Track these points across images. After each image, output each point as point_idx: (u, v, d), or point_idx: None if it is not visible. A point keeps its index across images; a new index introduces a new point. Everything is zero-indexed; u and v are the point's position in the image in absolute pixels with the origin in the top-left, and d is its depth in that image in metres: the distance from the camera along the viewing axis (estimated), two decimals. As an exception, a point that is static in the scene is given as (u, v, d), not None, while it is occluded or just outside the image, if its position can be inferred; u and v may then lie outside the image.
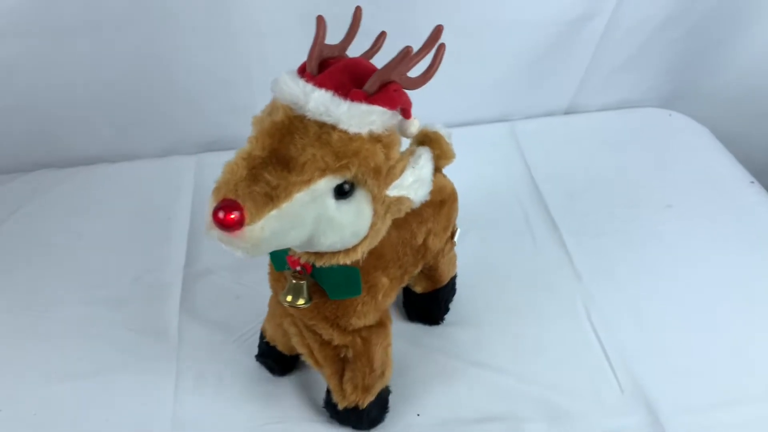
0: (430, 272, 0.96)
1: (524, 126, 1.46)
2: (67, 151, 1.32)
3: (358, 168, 0.56)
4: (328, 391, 0.87)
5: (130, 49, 1.17)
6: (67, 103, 1.23)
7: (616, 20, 1.29)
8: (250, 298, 1.06)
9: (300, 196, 0.53)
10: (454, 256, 1.00)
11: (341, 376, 0.83)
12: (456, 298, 1.06)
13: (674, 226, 1.21)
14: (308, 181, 0.53)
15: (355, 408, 0.84)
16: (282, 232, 0.53)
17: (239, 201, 0.50)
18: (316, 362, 0.84)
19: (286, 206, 0.52)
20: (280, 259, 0.72)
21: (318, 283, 0.71)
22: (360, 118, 0.55)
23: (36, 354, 0.98)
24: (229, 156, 0.54)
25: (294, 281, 0.70)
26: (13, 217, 1.22)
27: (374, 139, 0.57)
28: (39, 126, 1.26)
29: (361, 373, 0.81)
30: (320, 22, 0.59)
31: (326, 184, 0.55)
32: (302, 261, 0.67)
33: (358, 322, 0.76)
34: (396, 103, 0.59)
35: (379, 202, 0.61)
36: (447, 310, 1.04)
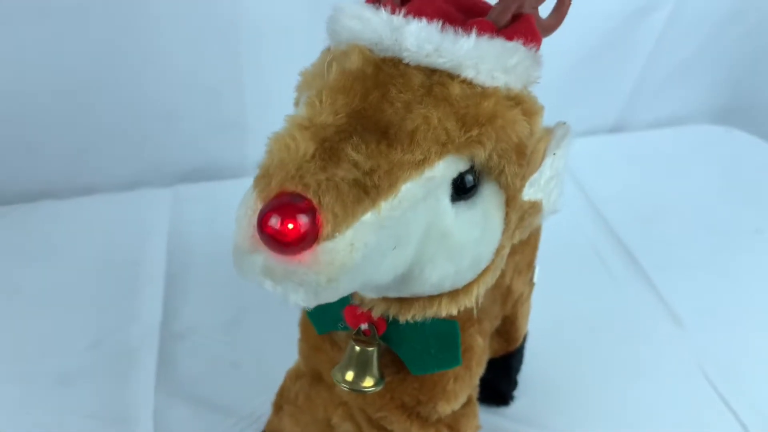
0: (505, 328, 0.69)
1: (574, 145, 1.22)
2: (8, 185, 1.03)
3: (495, 144, 0.33)
4: None
5: (89, 46, 0.91)
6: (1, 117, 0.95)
7: (679, 14, 1.09)
8: (252, 365, 0.77)
9: (409, 189, 0.31)
10: (530, 305, 0.74)
11: None
12: (528, 360, 0.80)
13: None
14: (422, 163, 0.31)
15: None
16: (378, 256, 0.31)
17: (310, 196, 0.27)
18: None
19: (388, 206, 0.30)
20: (326, 314, 0.46)
21: (391, 351, 0.46)
22: (496, 60, 0.34)
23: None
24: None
25: (358, 348, 0.44)
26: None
27: (511, 99, 0.35)
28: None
29: None
30: None
31: (446, 170, 0.33)
32: (376, 315, 0.41)
33: (447, 408, 0.49)
34: (539, 44, 0.38)
35: (515, 206, 0.38)
36: (516, 384, 0.78)
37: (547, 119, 1.11)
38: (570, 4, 0.42)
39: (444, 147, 0.32)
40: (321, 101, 0.32)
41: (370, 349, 0.44)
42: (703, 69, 1.22)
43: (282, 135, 0.30)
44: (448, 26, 0.34)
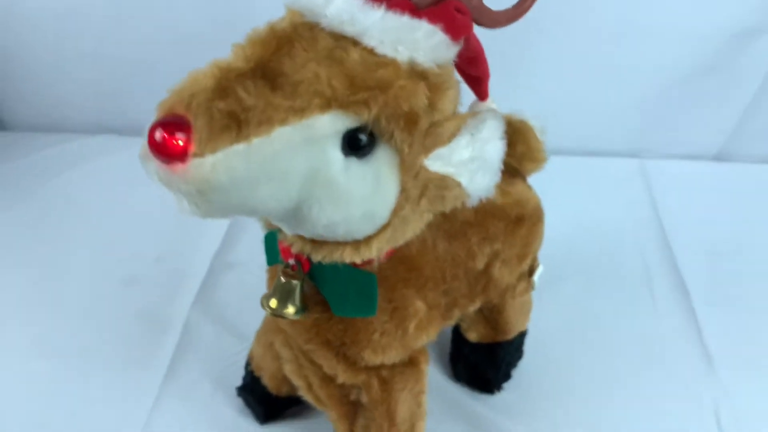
0: (492, 316, 0.71)
1: (659, 166, 1.18)
2: (133, 120, 1.20)
3: (382, 108, 0.37)
4: None
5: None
6: (142, 60, 1.12)
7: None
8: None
9: (285, 132, 0.35)
10: (529, 303, 0.75)
11: (353, 420, 0.61)
12: (534, 358, 0.81)
13: None
14: (301, 111, 0.35)
15: None
16: (248, 183, 0.35)
17: (189, 118, 0.32)
18: (318, 400, 0.61)
19: (260, 142, 0.34)
20: (274, 249, 0.53)
21: (319, 291, 0.51)
22: (397, 33, 0.37)
23: (29, 324, 0.84)
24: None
25: (283, 279, 0.50)
26: (61, 177, 1.12)
27: (416, 74, 0.39)
28: (109, 83, 1.17)
29: (378, 425, 0.58)
30: None
31: (331, 123, 0.36)
32: (294, 250, 0.46)
33: (373, 358, 0.54)
34: (458, 29, 0.40)
35: (411, 173, 0.42)
36: (508, 376, 0.78)
37: (645, 136, 1.09)
38: (532, 3, 0.44)
39: (328, 102, 0.36)
40: (243, 49, 0.37)
41: (294, 281, 0.49)
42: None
43: (197, 71, 0.36)
44: (370, 2, 0.38)
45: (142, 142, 0.34)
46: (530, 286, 0.71)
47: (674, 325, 0.87)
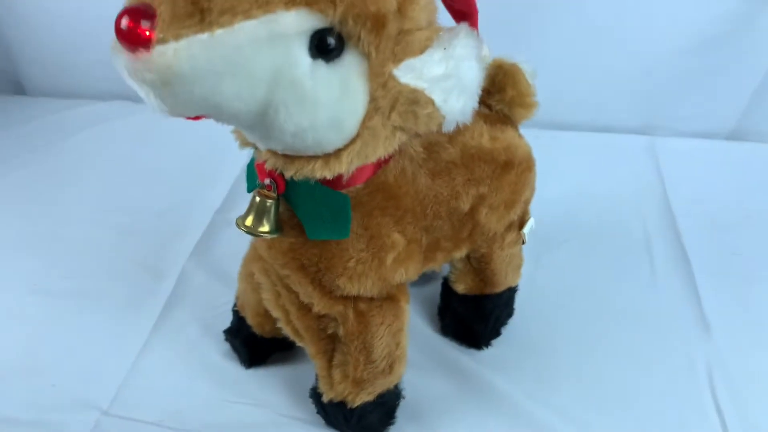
0: (480, 266, 0.71)
1: (669, 144, 1.17)
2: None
3: (349, 7, 0.37)
4: (317, 378, 0.64)
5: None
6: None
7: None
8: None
9: (249, 26, 0.35)
10: (519, 258, 0.74)
11: (331, 357, 0.61)
12: (525, 317, 0.80)
13: None
14: (265, 4, 0.35)
15: (343, 404, 0.61)
16: (212, 75, 0.35)
17: (155, 5, 0.33)
18: (296, 332, 0.62)
19: (223, 33, 0.34)
20: (252, 175, 0.53)
21: (295, 215, 0.51)
22: None
23: (28, 262, 0.88)
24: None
25: (258, 199, 0.50)
26: (75, 138, 1.17)
27: None
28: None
29: (355, 360, 0.59)
30: None
31: (297, 22, 0.36)
32: (268, 166, 0.47)
33: (349, 287, 0.54)
34: None
35: (379, 80, 0.42)
36: (497, 333, 0.78)
37: (656, 113, 1.02)
38: None
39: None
40: None
41: (269, 201, 0.49)
42: None
43: None
44: None
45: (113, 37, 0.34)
46: (520, 238, 0.71)
47: (672, 291, 0.86)
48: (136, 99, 1.19)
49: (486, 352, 0.76)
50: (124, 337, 0.76)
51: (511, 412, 0.69)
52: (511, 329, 0.79)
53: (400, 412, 0.67)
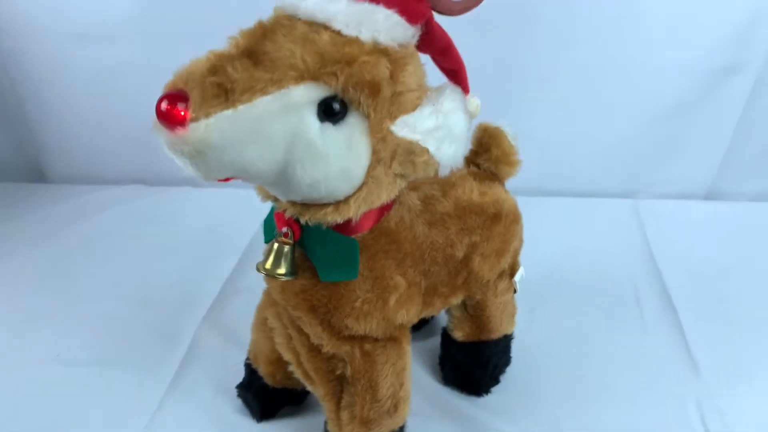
0: (476, 313, 0.76)
1: (651, 206, 1.24)
2: (159, 169, 1.33)
3: (348, 79, 0.45)
4: (326, 425, 0.68)
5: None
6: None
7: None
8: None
9: (265, 101, 0.43)
10: (512, 306, 0.79)
11: (339, 399, 0.65)
12: (523, 365, 0.84)
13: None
14: (278, 82, 0.43)
15: None
16: (238, 144, 0.43)
17: (187, 90, 0.41)
18: (306, 375, 0.66)
19: (244, 109, 0.42)
20: (271, 228, 0.59)
21: (308, 259, 0.57)
22: (360, 17, 0.46)
23: (50, 335, 0.92)
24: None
25: (277, 245, 0.56)
26: (92, 220, 1.24)
27: (379, 51, 0.46)
28: (140, 139, 1.29)
29: (362, 400, 0.62)
30: None
31: (306, 93, 0.44)
32: (287, 215, 0.53)
33: (356, 326, 0.58)
34: (416, 14, 0.48)
35: (380, 136, 0.49)
36: (496, 381, 0.82)
37: (636, 176, 1.19)
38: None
39: (301, 74, 0.43)
40: (235, 40, 0.45)
41: (287, 246, 0.55)
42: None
43: (197, 58, 0.45)
44: None
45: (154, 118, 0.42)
46: (512, 287, 0.76)
47: (662, 337, 0.90)
48: (149, 182, 1.30)
49: (486, 399, 0.80)
50: (141, 399, 0.79)
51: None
52: (509, 377, 0.83)
53: (406, 456, 0.69)
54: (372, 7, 0.46)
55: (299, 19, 0.46)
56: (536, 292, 0.97)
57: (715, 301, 0.97)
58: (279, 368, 0.72)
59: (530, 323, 0.91)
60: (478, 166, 0.72)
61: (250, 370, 0.77)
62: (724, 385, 0.81)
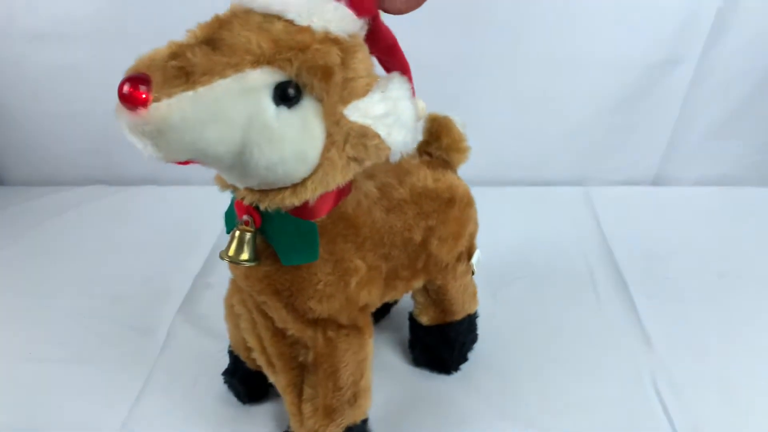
0: (438, 297, 0.79)
1: (602, 192, 1.31)
2: (120, 170, 1.33)
3: (302, 65, 0.47)
4: (289, 416, 0.70)
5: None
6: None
7: (706, 68, 1.16)
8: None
9: (224, 83, 0.44)
10: (472, 286, 0.83)
11: (300, 392, 0.67)
12: (488, 344, 0.89)
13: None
14: (236, 66, 0.45)
15: None
16: (198, 124, 0.44)
17: (149, 74, 0.42)
18: (269, 363, 0.68)
19: (204, 90, 0.44)
20: (232, 218, 0.61)
21: (269, 245, 0.59)
22: (310, 7, 0.48)
23: (22, 334, 0.93)
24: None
25: (238, 232, 0.58)
26: (55, 220, 1.23)
27: (330, 39, 0.49)
28: (99, 139, 1.29)
29: (323, 388, 0.65)
30: None
31: (262, 77, 0.46)
32: (246, 202, 0.55)
33: (319, 308, 0.61)
34: (363, 8, 0.51)
35: (333, 120, 0.51)
36: (464, 358, 0.86)
37: (586, 164, 1.26)
38: None
39: (257, 59, 0.45)
40: (193, 32, 0.47)
41: (248, 233, 0.57)
42: (750, 127, 1.25)
43: (159, 47, 0.45)
44: None
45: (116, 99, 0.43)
46: (470, 269, 0.80)
47: (615, 313, 0.96)
48: (110, 182, 1.29)
49: (455, 376, 0.84)
50: (119, 391, 0.81)
51: (484, 426, 0.77)
52: (476, 355, 0.87)
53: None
54: (323, 1, 0.49)
55: (253, 10, 0.48)
56: (497, 276, 1.03)
57: (663, 279, 1.04)
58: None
59: (493, 305, 0.96)
60: (430, 155, 0.74)
61: (234, 357, 0.79)
62: (674, 355, 0.88)
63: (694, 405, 0.80)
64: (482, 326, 0.88)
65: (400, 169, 0.69)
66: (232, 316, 0.74)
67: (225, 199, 0.61)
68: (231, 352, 0.80)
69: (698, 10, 1.12)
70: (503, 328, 0.92)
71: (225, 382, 0.80)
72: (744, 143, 1.27)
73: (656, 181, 1.34)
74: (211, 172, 1.24)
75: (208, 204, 1.23)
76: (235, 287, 0.69)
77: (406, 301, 0.91)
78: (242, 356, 0.76)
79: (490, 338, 0.89)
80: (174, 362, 0.86)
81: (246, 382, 0.78)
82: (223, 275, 1.02)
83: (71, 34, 1.17)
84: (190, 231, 1.17)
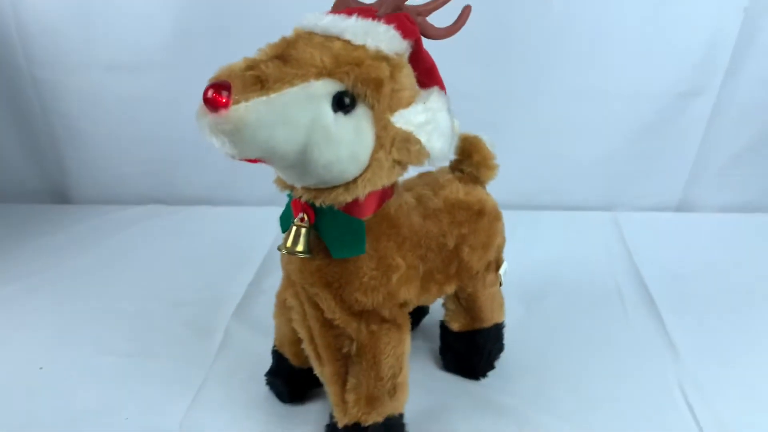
0: (468, 304, 0.85)
1: (629, 217, 1.38)
2: (178, 190, 1.44)
3: (357, 77, 0.55)
4: (332, 414, 0.75)
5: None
6: (186, 140, 1.36)
7: (725, 100, 1.24)
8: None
9: (292, 91, 0.52)
10: (500, 297, 0.89)
11: (344, 382, 0.72)
12: (521, 351, 0.95)
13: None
14: (303, 76, 0.53)
15: (357, 426, 0.71)
16: (270, 125, 0.52)
17: (230, 81, 0.50)
18: (316, 354, 0.73)
19: (276, 96, 0.51)
20: (288, 215, 0.68)
21: (321, 242, 0.66)
22: (365, 29, 0.56)
23: (96, 330, 1.01)
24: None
25: (295, 228, 0.65)
26: (118, 236, 1.34)
27: (381, 57, 0.57)
28: (158, 162, 1.41)
29: (366, 377, 0.70)
30: None
31: (324, 87, 0.54)
32: (303, 199, 0.63)
33: (364, 300, 0.67)
34: (408, 31, 0.60)
35: (382, 125, 0.58)
36: (491, 366, 0.91)
37: (614, 190, 1.40)
38: (462, 24, 0.63)
39: (320, 72, 0.54)
40: (263, 50, 0.56)
41: (303, 228, 0.64)
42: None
43: (235, 61, 0.54)
44: (346, 15, 0.57)
45: (198, 105, 0.51)
46: (498, 279, 0.86)
47: (643, 326, 1.02)
48: (168, 202, 1.40)
49: (490, 380, 0.90)
50: (183, 382, 0.88)
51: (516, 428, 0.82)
52: (509, 360, 0.92)
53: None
54: (375, 23, 0.58)
55: (315, 33, 0.57)
56: (530, 290, 1.09)
57: (689, 296, 1.10)
58: (302, 349, 0.79)
59: (527, 315, 1.03)
60: (462, 171, 0.81)
61: (278, 356, 0.85)
62: (700, 364, 0.92)
63: (720, 409, 0.84)
64: (515, 334, 0.94)
65: (435, 183, 0.77)
66: (281, 311, 0.81)
67: (272, 219, 0.68)
68: (275, 352, 0.86)
69: (716, 43, 1.20)
70: (536, 336, 0.99)
71: (267, 383, 0.86)
72: (764, 171, 1.33)
73: (680, 207, 1.41)
74: (260, 194, 1.36)
75: (257, 222, 1.35)
76: (288, 282, 0.76)
77: (434, 313, 0.97)
78: (287, 352, 0.83)
79: (523, 345, 0.95)
80: (231, 359, 0.94)
81: (289, 382, 0.84)
82: (275, 281, 1.08)
83: (141, 64, 1.30)
84: (241, 246, 1.27)
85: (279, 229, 0.70)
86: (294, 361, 0.83)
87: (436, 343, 0.94)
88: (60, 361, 0.94)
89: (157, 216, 1.41)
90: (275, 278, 1.12)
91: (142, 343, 0.98)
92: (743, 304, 1.08)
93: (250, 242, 1.28)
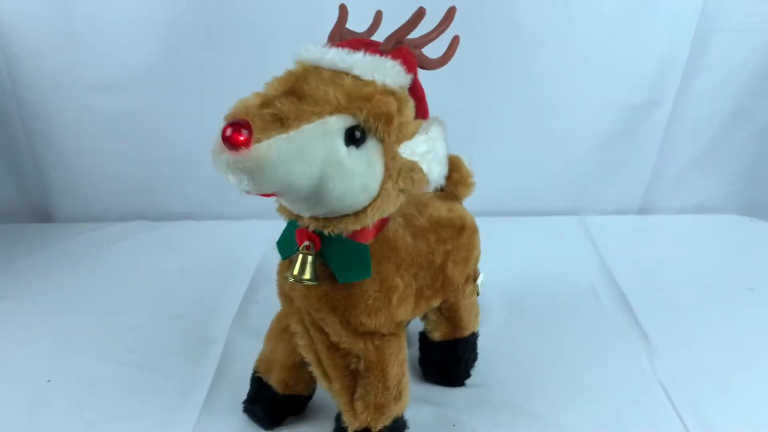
0: (450, 314, 0.89)
1: (595, 220, 1.48)
2: (162, 206, 1.47)
3: (369, 112, 0.56)
4: (338, 419, 0.78)
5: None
6: (170, 157, 1.40)
7: (680, 110, 1.35)
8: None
9: (310, 128, 0.53)
10: (477, 307, 0.93)
11: (352, 394, 0.74)
12: (507, 345, 1.01)
13: (755, 307, 1.16)
14: (319, 113, 0.54)
15: (366, 431, 0.74)
16: (289, 161, 0.52)
17: (248, 120, 0.50)
18: (324, 374, 0.75)
19: (295, 133, 0.52)
20: (288, 245, 0.69)
21: (327, 268, 0.67)
22: (373, 65, 0.58)
23: (97, 343, 1.03)
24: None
25: (301, 255, 0.66)
26: (104, 252, 1.36)
27: (388, 91, 0.59)
28: (141, 179, 1.43)
29: (374, 388, 0.72)
30: (343, 10, 0.67)
31: (337, 122, 0.55)
32: (310, 229, 0.64)
33: (368, 322, 0.69)
34: (411, 65, 0.62)
35: (390, 156, 0.60)
36: (468, 374, 0.95)
37: (580, 195, 1.48)
38: (453, 54, 0.67)
39: (335, 108, 0.55)
40: (271, 84, 0.57)
41: (310, 256, 0.65)
42: (722, 161, 1.43)
43: (245, 97, 0.55)
44: (351, 50, 0.58)
45: (214, 142, 0.51)
46: (475, 289, 0.91)
47: (616, 317, 1.11)
48: (151, 218, 1.44)
49: (482, 372, 0.95)
50: (191, 389, 0.91)
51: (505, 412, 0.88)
52: (496, 354, 0.98)
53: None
54: (382, 58, 0.60)
55: (322, 67, 0.58)
56: (511, 291, 1.17)
57: (657, 290, 1.19)
58: (292, 374, 0.82)
59: (510, 314, 1.10)
60: (441, 189, 0.84)
61: (259, 383, 0.85)
62: (669, 347, 1.01)
63: (688, 386, 0.92)
64: (501, 331, 1.02)
65: (418, 202, 0.80)
66: (278, 336, 0.82)
67: (257, 232, 0.69)
68: (256, 379, 0.85)
69: (671, 59, 1.31)
70: (519, 332, 1.05)
71: (245, 410, 0.85)
72: (718, 175, 1.45)
73: (642, 210, 1.51)
74: (242, 208, 1.38)
75: (242, 235, 1.40)
76: (291, 308, 0.75)
77: (412, 325, 1.00)
78: (272, 379, 0.83)
79: (509, 341, 1.02)
80: (237, 365, 0.96)
81: (271, 409, 0.84)
82: (268, 291, 1.11)
83: (126, 84, 1.32)
84: (228, 259, 1.31)
85: (268, 239, 0.72)
86: (279, 387, 0.83)
87: (414, 353, 0.97)
88: (67, 373, 0.95)
89: (143, 232, 1.43)
90: (269, 289, 1.15)
91: (145, 354, 1.00)
92: (705, 296, 1.18)
93: (236, 255, 1.32)
